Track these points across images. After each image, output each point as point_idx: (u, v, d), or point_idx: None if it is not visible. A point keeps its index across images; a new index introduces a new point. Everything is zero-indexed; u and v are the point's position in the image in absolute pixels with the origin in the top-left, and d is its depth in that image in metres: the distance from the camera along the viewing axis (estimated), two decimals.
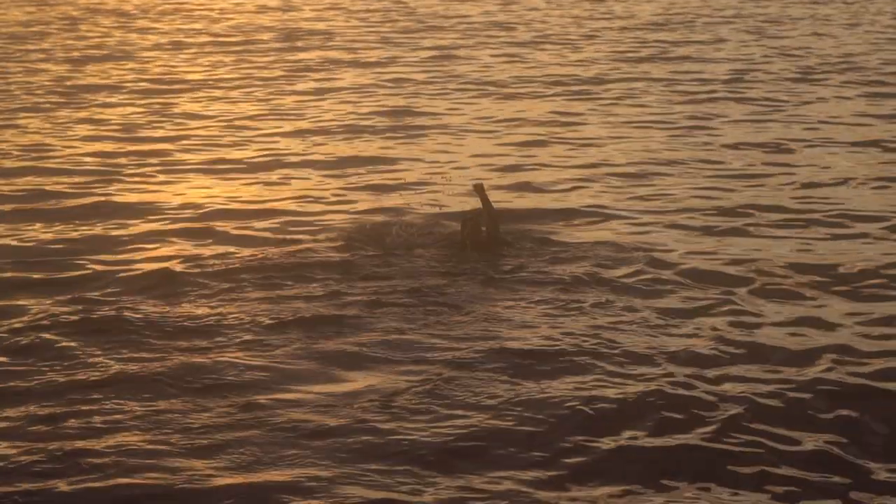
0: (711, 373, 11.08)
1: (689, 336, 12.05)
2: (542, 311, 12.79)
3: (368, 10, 47.72)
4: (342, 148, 22.33)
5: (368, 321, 12.47)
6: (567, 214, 17.35)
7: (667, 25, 41.83)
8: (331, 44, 37.06)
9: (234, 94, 28.24)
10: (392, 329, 12.23)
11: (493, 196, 16.40)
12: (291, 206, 17.96)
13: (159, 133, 23.62)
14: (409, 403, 10.31)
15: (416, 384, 10.68)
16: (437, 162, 21.11)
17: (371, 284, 13.73)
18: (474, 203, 16.15)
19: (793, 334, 12.10)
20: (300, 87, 29.20)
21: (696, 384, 10.71)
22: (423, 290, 13.45)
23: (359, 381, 10.84)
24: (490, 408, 10.25)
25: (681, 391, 10.56)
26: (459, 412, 10.14)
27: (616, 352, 11.52)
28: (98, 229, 16.56)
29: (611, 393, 10.53)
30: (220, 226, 16.59)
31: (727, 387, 10.72)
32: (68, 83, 29.36)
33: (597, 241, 15.64)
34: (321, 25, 42.33)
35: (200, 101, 27.20)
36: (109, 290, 13.56)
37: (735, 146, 22.01)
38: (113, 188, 19.04)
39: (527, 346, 11.69)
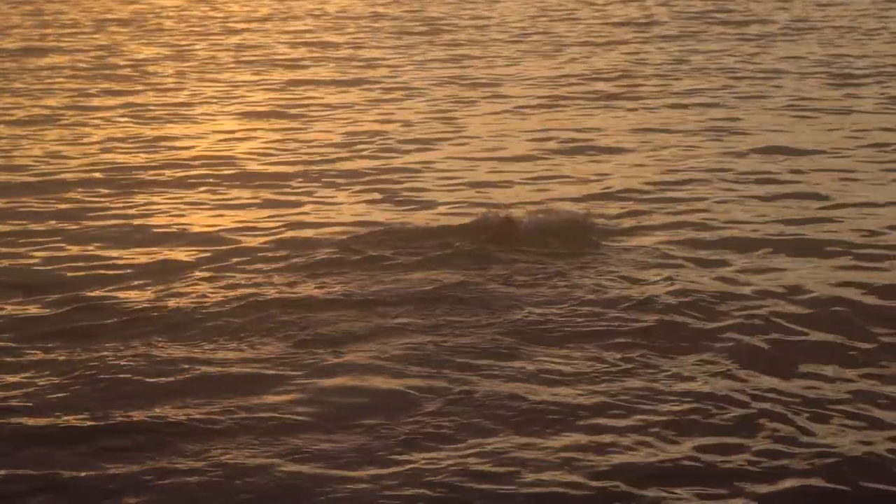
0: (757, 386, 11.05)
1: (727, 352, 12.10)
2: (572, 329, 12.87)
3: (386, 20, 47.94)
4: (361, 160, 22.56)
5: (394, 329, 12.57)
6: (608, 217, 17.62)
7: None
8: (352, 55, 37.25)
9: (259, 104, 28.39)
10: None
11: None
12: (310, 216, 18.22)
13: (186, 144, 23.81)
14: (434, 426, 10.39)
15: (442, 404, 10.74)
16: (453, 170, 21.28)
17: (393, 294, 13.94)
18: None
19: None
20: (324, 95, 29.33)
21: (729, 404, 10.77)
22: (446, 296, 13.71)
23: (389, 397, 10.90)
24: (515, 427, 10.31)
25: (714, 409, 10.64)
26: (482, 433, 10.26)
27: (660, 369, 11.58)
28: (119, 245, 16.77)
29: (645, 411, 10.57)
30: (239, 234, 16.75)
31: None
32: (82, 94, 29.56)
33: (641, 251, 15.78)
34: (339, 38, 42.46)
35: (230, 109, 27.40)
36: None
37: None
38: (137, 200, 19.20)
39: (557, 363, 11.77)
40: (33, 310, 13.60)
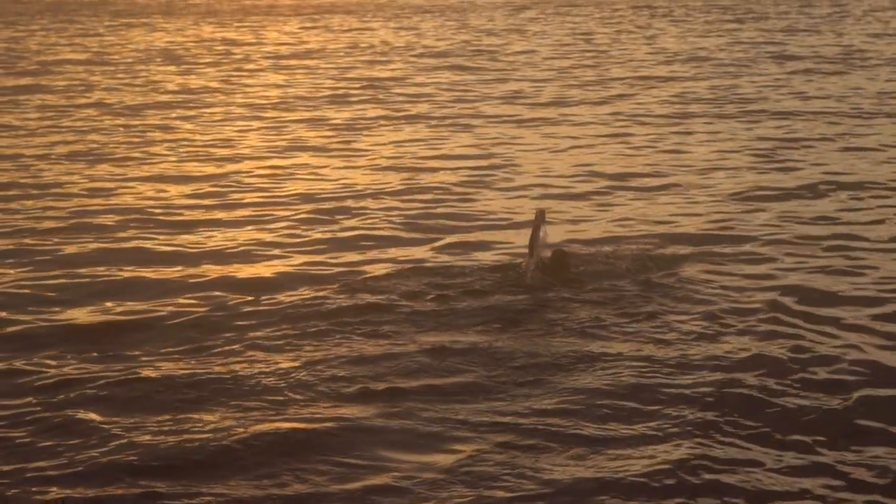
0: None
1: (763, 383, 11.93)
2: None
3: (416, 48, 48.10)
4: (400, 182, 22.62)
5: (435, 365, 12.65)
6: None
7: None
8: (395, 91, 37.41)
9: (307, 140, 28.49)
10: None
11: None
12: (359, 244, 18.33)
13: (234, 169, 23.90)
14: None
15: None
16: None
17: (434, 328, 14.01)
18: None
19: None
20: (373, 131, 29.45)
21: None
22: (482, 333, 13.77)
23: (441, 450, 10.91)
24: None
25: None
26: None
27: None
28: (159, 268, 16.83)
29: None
30: (277, 267, 16.78)
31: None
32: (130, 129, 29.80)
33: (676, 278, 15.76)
34: (385, 73, 42.63)
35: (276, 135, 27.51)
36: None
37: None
38: (187, 238, 19.27)
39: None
40: (84, 363, 13.65)
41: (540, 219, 16.42)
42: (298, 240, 19.25)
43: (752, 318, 14.35)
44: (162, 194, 22.91)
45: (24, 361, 13.28)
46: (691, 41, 51.17)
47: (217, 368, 12.81)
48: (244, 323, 14.49)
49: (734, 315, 14.42)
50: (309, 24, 65.68)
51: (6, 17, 75.19)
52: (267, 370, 12.68)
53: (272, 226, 20.19)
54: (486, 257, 17.72)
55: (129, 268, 17.42)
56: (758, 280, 16.23)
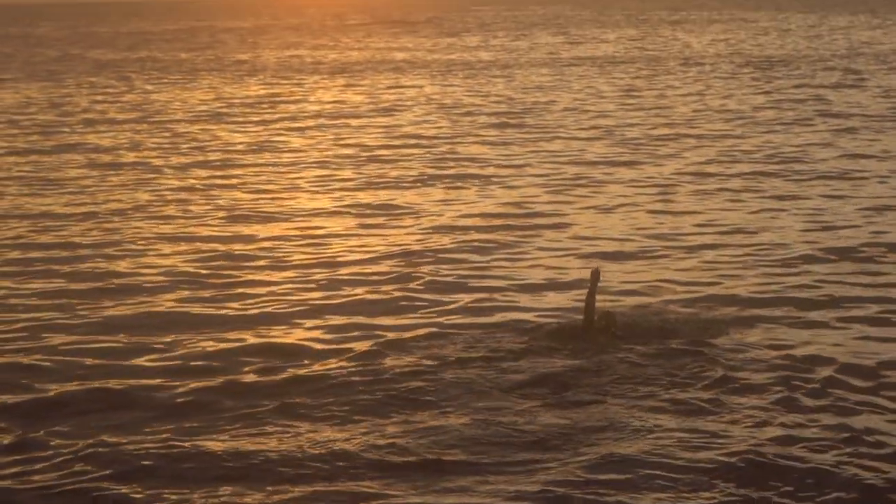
0: None
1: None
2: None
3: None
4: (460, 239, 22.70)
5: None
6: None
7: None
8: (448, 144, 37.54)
9: (353, 200, 28.60)
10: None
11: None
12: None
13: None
14: None
15: None
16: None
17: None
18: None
19: None
20: (418, 190, 29.54)
21: None
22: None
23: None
24: None
25: None
26: None
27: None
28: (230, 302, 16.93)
29: None
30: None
31: None
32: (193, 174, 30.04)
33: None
34: (432, 130, 42.79)
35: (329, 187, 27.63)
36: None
37: None
38: (242, 293, 19.39)
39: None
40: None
41: (595, 279, 16.43)
42: (343, 301, 19.29)
43: (800, 386, 14.28)
44: (207, 255, 23.01)
45: (64, 427, 13.36)
46: (738, 98, 51.14)
47: (261, 439, 12.81)
48: (287, 390, 14.50)
49: (780, 385, 14.33)
50: (354, 82, 66.04)
51: (54, 73, 76.00)
52: (312, 440, 12.68)
53: (317, 288, 20.24)
54: (534, 318, 17.74)
55: (172, 334, 17.48)
56: (804, 346, 16.12)
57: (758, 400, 13.83)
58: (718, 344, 16.01)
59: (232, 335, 17.39)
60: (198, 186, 31.20)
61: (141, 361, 16.24)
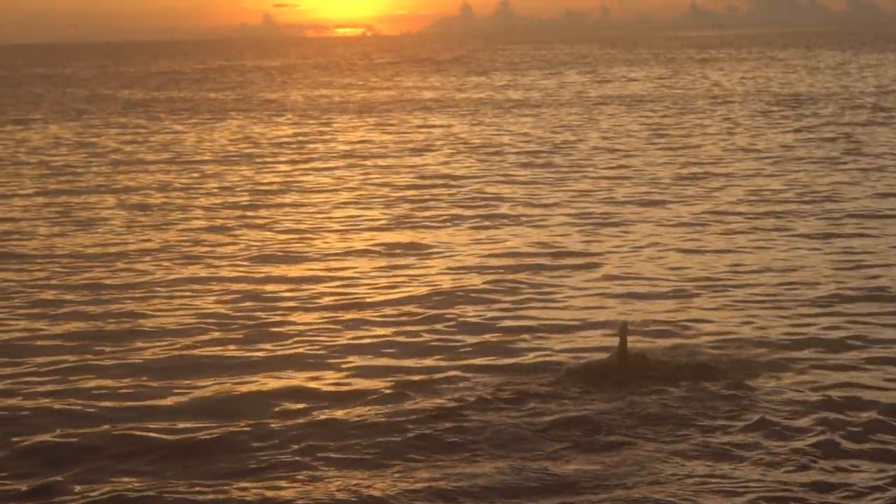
0: None
1: None
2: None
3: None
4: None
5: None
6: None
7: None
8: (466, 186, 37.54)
9: (383, 240, 28.59)
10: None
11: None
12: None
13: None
14: None
15: None
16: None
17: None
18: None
19: None
20: (448, 230, 29.53)
21: None
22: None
23: None
24: None
25: None
26: None
27: None
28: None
29: None
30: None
31: None
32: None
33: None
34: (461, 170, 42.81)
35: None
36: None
37: None
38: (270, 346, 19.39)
39: None
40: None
41: (624, 333, 16.47)
42: (371, 342, 19.25)
43: (840, 430, 14.14)
44: (235, 296, 22.98)
45: (89, 472, 13.33)
46: (767, 137, 51.05)
47: (290, 483, 12.74)
48: (315, 432, 14.44)
49: (819, 428, 14.20)
50: (383, 121, 66.20)
51: (83, 113, 76.40)
52: (342, 485, 12.60)
53: (345, 329, 20.20)
54: (565, 358, 17.68)
55: (201, 376, 17.46)
56: (841, 388, 15.97)
57: (796, 444, 13.69)
58: (753, 385, 15.92)
59: (260, 377, 17.36)
60: (226, 227, 31.23)
61: (168, 404, 16.22)
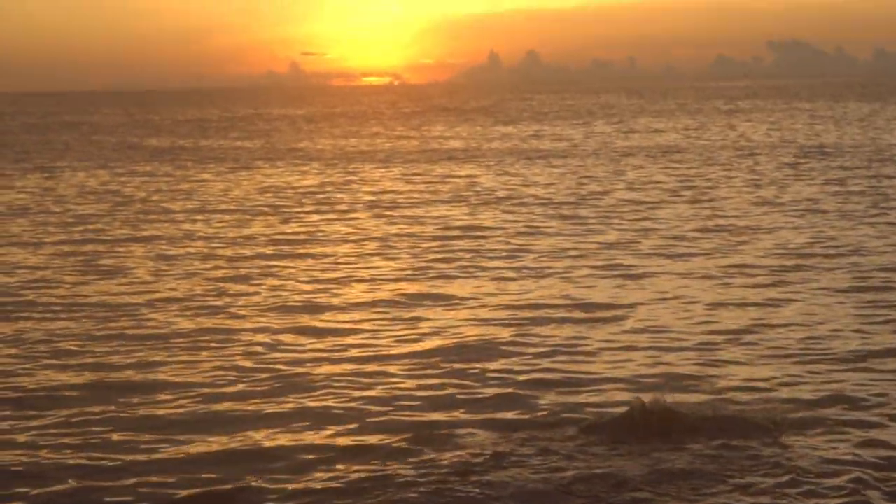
0: None
1: None
2: None
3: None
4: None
5: None
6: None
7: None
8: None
9: (410, 289, 28.60)
10: None
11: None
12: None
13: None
14: None
15: None
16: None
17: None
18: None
19: None
20: (477, 279, 29.53)
21: None
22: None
23: None
24: None
25: None
26: None
27: None
28: None
29: None
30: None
31: None
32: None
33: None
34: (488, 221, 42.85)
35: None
36: None
37: None
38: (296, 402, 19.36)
39: None
40: None
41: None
42: (395, 395, 19.22)
43: (875, 490, 14.02)
44: (258, 348, 22.97)
45: None
46: (794, 189, 51.01)
47: None
48: (340, 489, 14.40)
49: (853, 488, 14.07)
50: (409, 171, 66.36)
51: (111, 161, 76.77)
52: None
53: (370, 383, 20.15)
54: (591, 413, 17.58)
55: (224, 432, 17.41)
56: (872, 447, 15.85)
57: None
58: (782, 443, 15.80)
59: (282, 430, 17.34)
60: (251, 277, 31.26)
61: (191, 455, 16.21)
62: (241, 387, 20.01)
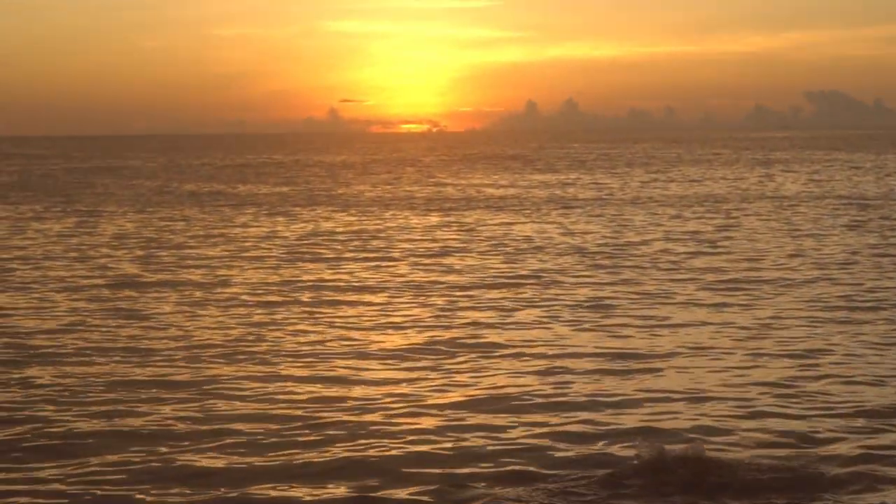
0: None
1: None
2: None
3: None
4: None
5: None
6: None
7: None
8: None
9: (441, 338, 28.55)
10: None
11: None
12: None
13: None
14: None
15: None
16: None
17: None
18: None
19: None
20: (508, 326, 29.43)
21: None
22: None
23: None
24: None
25: None
26: None
27: None
28: None
29: None
30: None
31: None
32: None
33: None
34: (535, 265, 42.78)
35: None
36: None
37: None
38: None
39: None
40: None
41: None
42: (429, 449, 19.12)
43: None
44: (296, 396, 22.95)
45: None
46: (834, 240, 50.79)
47: None
48: None
49: None
50: (446, 218, 66.40)
51: (149, 206, 77.13)
52: None
53: (404, 434, 20.09)
54: (625, 464, 17.46)
55: (261, 482, 17.40)
56: None
57: None
58: (818, 499, 15.60)
59: (320, 482, 17.35)
60: (288, 323, 31.29)
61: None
62: (274, 439, 19.89)
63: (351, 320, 31.84)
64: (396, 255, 47.87)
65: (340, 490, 16.93)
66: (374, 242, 53.07)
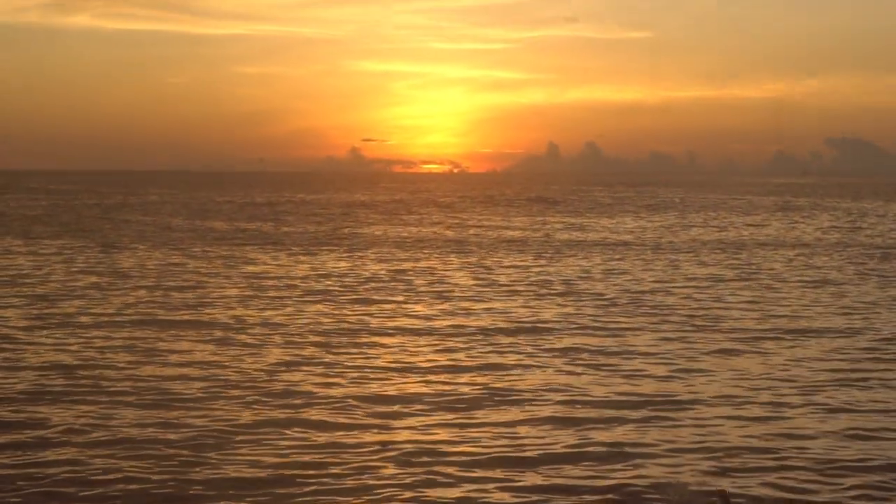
0: None
1: None
2: None
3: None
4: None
5: None
6: None
7: None
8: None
9: (459, 388, 28.42)
10: None
11: None
12: None
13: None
14: None
15: None
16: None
17: None
18: None
19: None
20: (522, 365, 29.31)
21: None
22: None
23: None
24: None
25: None
26: None
27: None
28: None
29: None
30: None
31: None
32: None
33: None
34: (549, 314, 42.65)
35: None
36: None
37: None
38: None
39: None
40: None
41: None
42: (441, 497, 19.05)
43: None
44: (318, 440, 22.88)
45: None
46: (857, 290, 50.58)
47: None
48: None
49: None
50: (469, 260, 66.28)
51: (170, 243, 77.17)
52: None
53: (419, 482, 20.01)
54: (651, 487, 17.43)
55: None
56: None
57: None
58: None
59: None
60: (307, 363, 31.21)
61: None
62: (291, 489, 19.80)
63: (371, 362, 31.77)
64: (416, 297, 47.71)
65: None
66: (394, 283, 52.93)
